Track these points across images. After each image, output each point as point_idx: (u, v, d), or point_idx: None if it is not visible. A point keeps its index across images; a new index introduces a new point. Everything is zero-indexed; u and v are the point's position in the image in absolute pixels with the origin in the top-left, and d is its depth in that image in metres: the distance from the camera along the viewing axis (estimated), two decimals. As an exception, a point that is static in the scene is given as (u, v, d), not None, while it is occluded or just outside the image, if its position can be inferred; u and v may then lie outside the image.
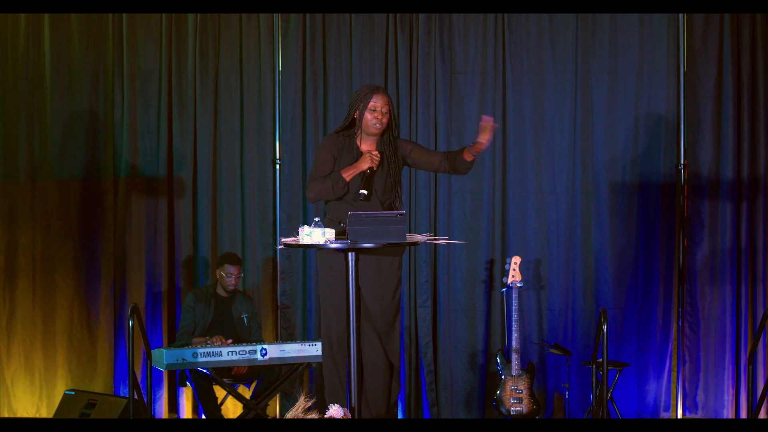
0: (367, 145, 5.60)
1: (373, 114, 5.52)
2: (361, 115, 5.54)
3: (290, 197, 7.20)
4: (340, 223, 5.45)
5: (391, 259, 5.56)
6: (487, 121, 5.40)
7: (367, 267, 5.50)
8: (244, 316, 6.87)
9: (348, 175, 5.50)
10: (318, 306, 7.15)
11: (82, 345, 7.13)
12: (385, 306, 5.58)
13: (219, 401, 6.69)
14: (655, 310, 7.14)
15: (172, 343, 6.92)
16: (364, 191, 5.46)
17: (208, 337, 6.69)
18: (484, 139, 5.41)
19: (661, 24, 7.14)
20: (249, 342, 6.79)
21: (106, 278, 7.14)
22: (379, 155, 5.52)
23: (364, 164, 5.49)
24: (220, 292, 6.89)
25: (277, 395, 7.02)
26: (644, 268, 7.15)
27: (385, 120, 5.54)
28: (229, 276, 6.83)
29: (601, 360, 5.75)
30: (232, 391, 6.58)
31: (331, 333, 5.58)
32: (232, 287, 6.85)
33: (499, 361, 6.77)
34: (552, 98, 7.20)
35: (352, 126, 5.62)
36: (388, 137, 5.61)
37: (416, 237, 5.40)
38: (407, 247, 5.73)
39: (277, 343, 6.55)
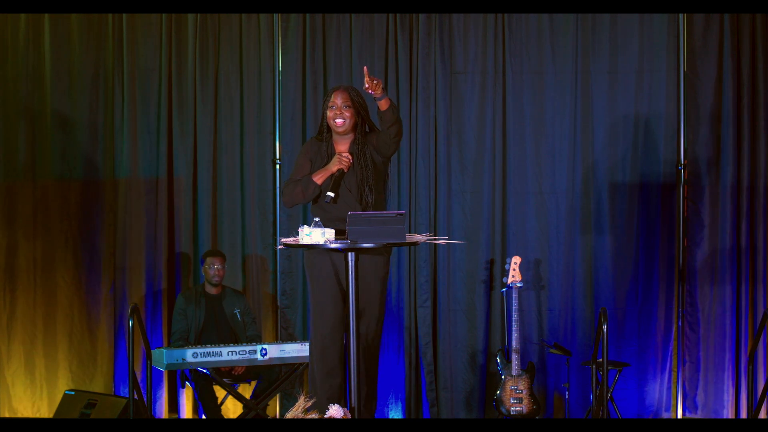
0: (342, 146, 5.52)
1: (332, 110, 5.45)
2: (325, 115, 5.50)
3: (290, 197, 7.19)
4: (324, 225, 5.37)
5: (375, 258, 5.44)
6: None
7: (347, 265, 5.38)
8: (236, 311, 6.87)
9: (318, 178, 5.43)
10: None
11: (82, 345, 7.12)
12: (364, 306, 5.42)
13: (219, 401, 6.70)
14: (655, 310, 7.14)
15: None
16: (331, 194, 5.37)
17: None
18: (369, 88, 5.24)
19: (661, 24, 7.14)
20: (245, 338, 6.81)
21: (106, 278, 7.14)
22: (350, 157, 5.43)
23: (334, 166, 5.42)
24: (209, 290, 6.89)
25: (277, 395, 7.02)
26: (644, 268, 7.15)
27: (347, 114, 5.43)
28: (211, 267, 6.83)
29: (601, 360, 5.75)
30: (232, 391, 6.58)
31: (315, 332, 5.50)
32: (217, 279, 6.85)
33: (499, 361, 6.77)
34: (552, 98, 7.20)
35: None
36: (359, 137, 5.50)
37: (416, 237, 5.39)
38: (393, 248, 5.60)
39: (277, 343, 6.56)
